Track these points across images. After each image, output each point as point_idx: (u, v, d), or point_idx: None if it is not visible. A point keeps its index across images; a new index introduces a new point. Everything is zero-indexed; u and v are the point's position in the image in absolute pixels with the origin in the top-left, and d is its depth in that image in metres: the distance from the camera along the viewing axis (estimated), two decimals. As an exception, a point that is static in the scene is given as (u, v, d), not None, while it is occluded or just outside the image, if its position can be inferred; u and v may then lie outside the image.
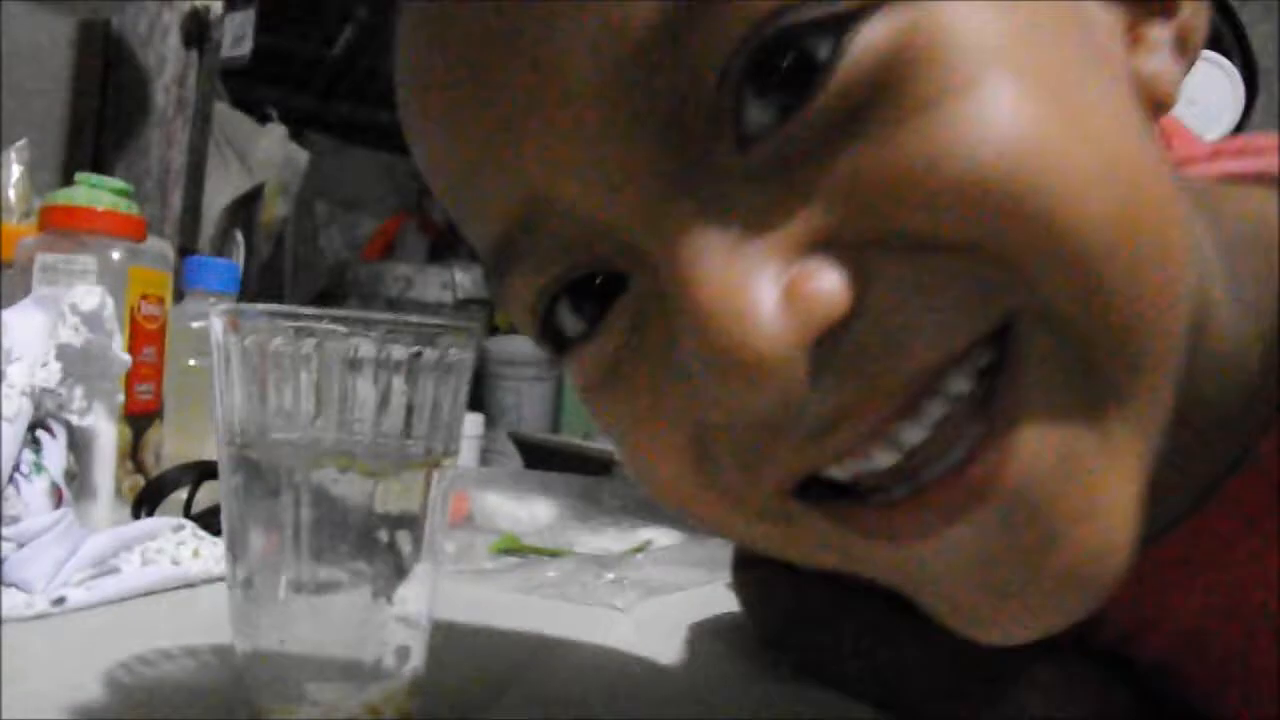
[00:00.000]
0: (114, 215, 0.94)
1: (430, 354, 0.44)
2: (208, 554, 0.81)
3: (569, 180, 0.32)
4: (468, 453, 1.84)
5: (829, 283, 0.30)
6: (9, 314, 0.79)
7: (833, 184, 0.30)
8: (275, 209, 3.58)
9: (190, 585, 0.79)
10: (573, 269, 0.35)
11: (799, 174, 0.30)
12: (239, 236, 3.07)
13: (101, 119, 2.06)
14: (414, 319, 0.44)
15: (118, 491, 0.89)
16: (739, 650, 0.76)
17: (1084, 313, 0.30)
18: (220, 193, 2.94)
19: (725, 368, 0.29)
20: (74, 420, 0.81)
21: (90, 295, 0.80)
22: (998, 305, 0.31)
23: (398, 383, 0.44)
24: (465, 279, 5.20)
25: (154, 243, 1.04)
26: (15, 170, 1.11)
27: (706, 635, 0.80)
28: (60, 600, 0.70)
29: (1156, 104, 0.36)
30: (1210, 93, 2.74)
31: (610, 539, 1.09)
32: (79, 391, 0.81)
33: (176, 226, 2.05)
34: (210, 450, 0.94)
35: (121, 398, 0.88)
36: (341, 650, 0.46)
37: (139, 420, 0.93)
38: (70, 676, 0.58)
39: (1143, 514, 0.33)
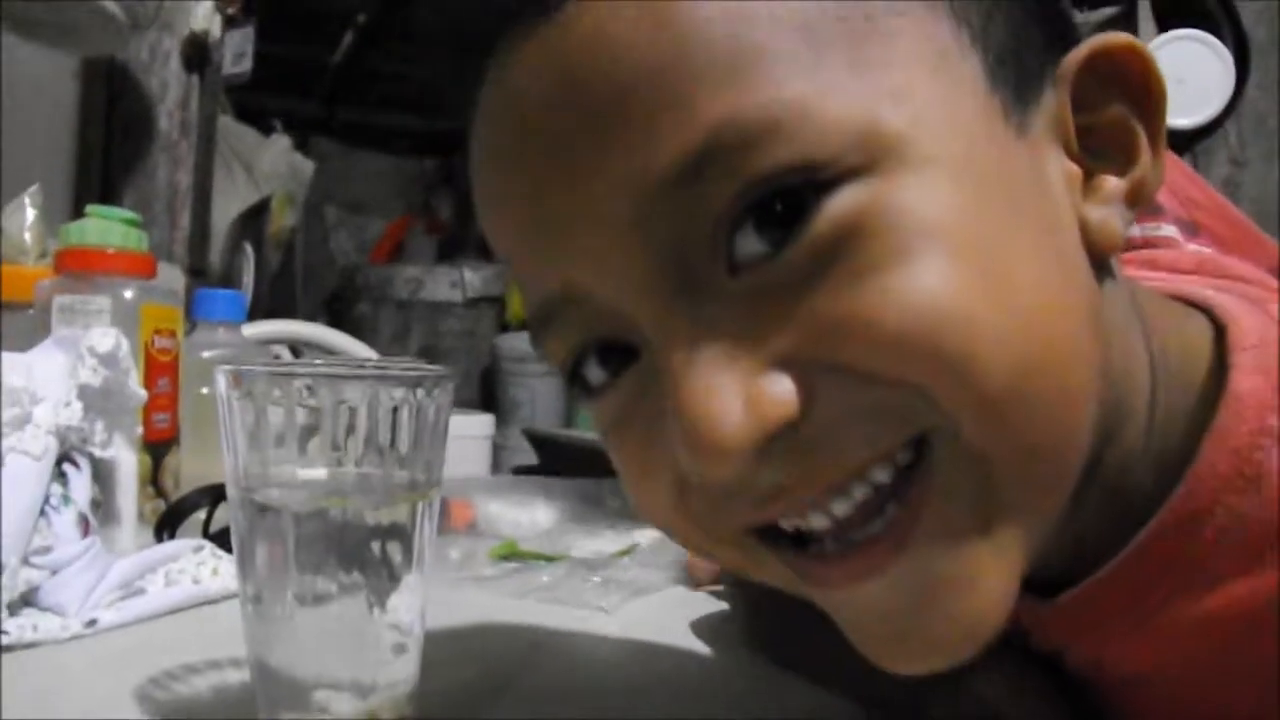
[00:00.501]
0: (125, 255, 1.00)
1: (413, 399, 0.50)
2: (226, 572, 0.87)
3: (595, 281, 0.41)
4: (478, 452, 1.87)
5: (782, 395, 0.38)
6: (32, 356, 0.85)
7: (796, 317, 0.38)
8: (283, 219, 3.62)
9: (211, 602, 0.85)
10: (598, 334, 0.44)
11: (772, 304, 0.39)
12: (248, 249, 3.11)
13: (108, 147, 2.11)
14: (397, 368, 0.50)
15: (140, 516, 0.94)
16: (720, 647, 0.81)
17: (986, 442, 0.39)
18: (228, 207, 2.99)
19: (697, 450, 0.38)
20: (96, 453, 0.86)
21: (106, 337, 0.86)
22: (916, 424, 0.39)
23: (383, 427, 0.50)
24: (474, 278, 5.24)
25: (164, 276, 1.09)
26: (30, 214, 1.17)
27: (689, 633, 0.84)
28: (92, 622, 0.76)
29: (1103, 246, 0.43)
30: (1201, 72, 2.77)
31: (606, 541, 1.13)
32: (100, 425, 0.87)
33: (186, 247, 2.10)
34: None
35: (140, 429, 0.93)
36: (342, 658, 0.52)
37: (157, 447, 0.99)
38: (105, 693, 0.63)
39: (1017, 586, 0.41)
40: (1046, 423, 0.39)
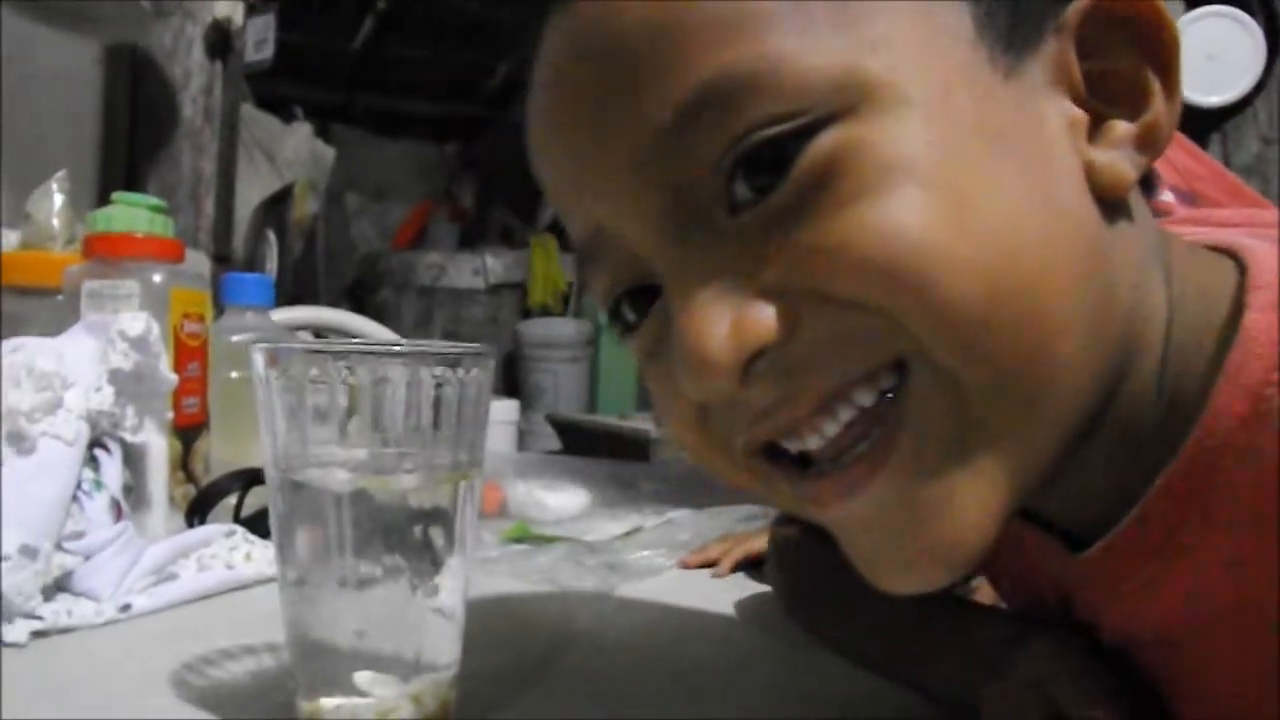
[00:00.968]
0: (153, 240, 0.99)
1: (453, 378, 0.50)
2: (259, 557, 0.86)
3: (614, 222, 0.46)
4: (503, 438, 1.87)
5: (765, 319, 0.42)
6: (62, 341, 0.85)
7: (783, 250, 0.42)
8: (306, 206, 3.64)
9: (244, 587, 0.85)
10: (627, 280, 0.48)
11: (764, 240, 0.42)
12: (271, 236, 3.12)
13: (132, 135, 2.11)
14: (435, 349, 0.50)
15: (171, 501, 0.94)
16: (756, 629, 0.81)
17: (957, 364, 0.41)
18: (251, 195, 3.00)
19: (687, 368, 0.43)
20: (128, 438, 0.86)
21: (136, 321, 0.85)
22: (891, 348, 0.42)
23: (425, 405, 0.49)
24: (496, 264, 5.25)
25: (192, 261, 1.09)
26: (58, 200, 1.16)
27: (697, 615, 0.85)
28: (126, 607, 0.76)
29: (1111, 188, 0.45)
30: (1231, 49, 2.73)
31: (625, 525, 1.14)
32: (130, 410, 0.86)
33: (210, 234, 2.10)
34: (256, 457, 0.99)
35: (170, 413, 0.93)
36: (384, 642, 0.51)
37: (187, 432, 0.98)
38: (140, 677, 0.63)
39: (1002, 517, 0.44)
40: (1018, 348, 0.41)
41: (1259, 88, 2.67)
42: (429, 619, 0.52)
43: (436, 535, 0.51)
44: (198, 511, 0.94)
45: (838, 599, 0.72)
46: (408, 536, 0.50)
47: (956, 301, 0.40)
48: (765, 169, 0.42)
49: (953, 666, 0.61)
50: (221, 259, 2.02)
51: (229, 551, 0.86)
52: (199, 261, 1.15)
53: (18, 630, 0.69)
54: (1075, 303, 0.42)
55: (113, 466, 0.83)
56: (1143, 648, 0.50)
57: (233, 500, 0.96)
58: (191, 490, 0.98)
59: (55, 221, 1.15)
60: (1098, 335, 0.43)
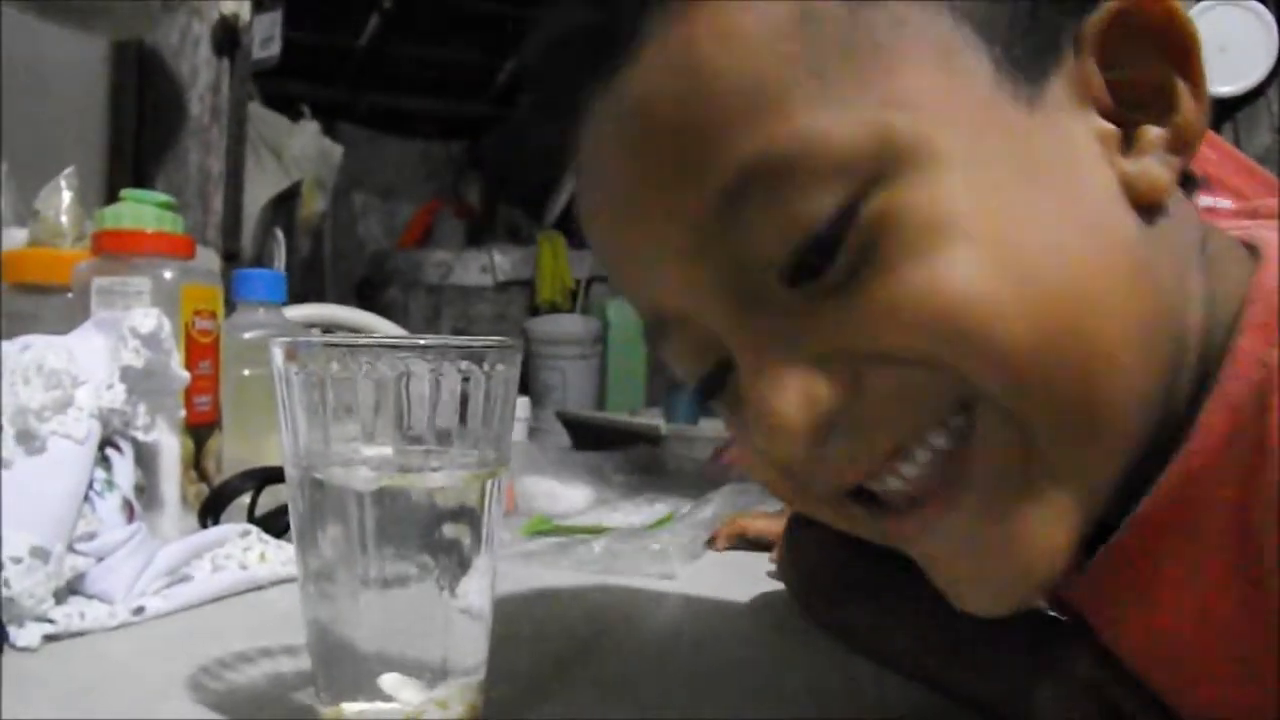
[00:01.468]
0: (164, 236, 0.98)
1: (478, 372, 0.48)
2: (273, 557, 0.85)
3: (678, 302, 0.48)
4: (514, 436, 1.86)
5: (830, 384, 0.44)
6: (72, 339, 0.83)
7: (840, 317, 0.43)
8: (314, 204, 3.63)
9: (259, 588, 0.83)
10: (711, 361, 0.50)
11: (822, 308, 0.44)
12: (279, 234, 3.11)
13: (140, 133, 2.10)
14: (459, 343, 0.48)
15: (184, 501, 0.93)
16: (787, 624, 0.79)
17: (1017, 405, 0.42)
18: (258, 193, 2.99)
19: (764, 434, 0.45)
20: (139, 436, 0.84)
21: (148, 318, 0.84)
22: (953, 395, 0.44)
23: (451, 400, 0.48)
24: (504, 261, 5.23)
25: (202, 258, 1.07)
26: (66, 197, 1.14)
27: (755, 600, 0.84)
28: (140, 609, 0.74)
29: (1148, 195, 0.45)
30: (1243, 39, 2.71)
31: (645, 516, 1.14)
32: (142, 409, 0.85)
33: (219, 232, 2.09)
34: (269, 456, 0.98)
35: (182, 412, 0.91)
36: (409, 645, 0.50)
37: (200, 431, 0.97)
38: (155, 682, 0.62)
39: (1074, 542, 0.45)
40: (1075, 381, 0.42)
41: (1271, 77, 2.64)
42: (456, 620, 0.50)
43: (463, 534, 0.50)
44: (211, 511, 0.93)
45: (861, 596, 0.71)
46: (433, 536, 0.49)
47: (1009, 346, 0.41)
48: (817, 252, 0.43)
49: (987, 663, 0.60)
50: (230, 257, 2.00)
51: (243, 552, 0.84)
52: (209, 258, 1.14)
53: (29, 634, 0.67)
54: (1124, 325, 0.43)
55: (124, 466, 0.82)
56: (1152, 663, 0.50)
57: (246, 500, 0.95)
58: (204, 490, 0.96)
59: (64, 219, 1.14)
60: (1150, 348, 0.44)
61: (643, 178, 0.46)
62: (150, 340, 0.83)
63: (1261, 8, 2.61)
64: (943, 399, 0.44)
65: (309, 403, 0.48)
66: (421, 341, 0.47)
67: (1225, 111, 2.68)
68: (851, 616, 0.73)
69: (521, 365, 0.50)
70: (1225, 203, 0.62)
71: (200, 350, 0.97)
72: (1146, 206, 0.45)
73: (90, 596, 0.74)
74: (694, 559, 0.98)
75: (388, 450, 0.48)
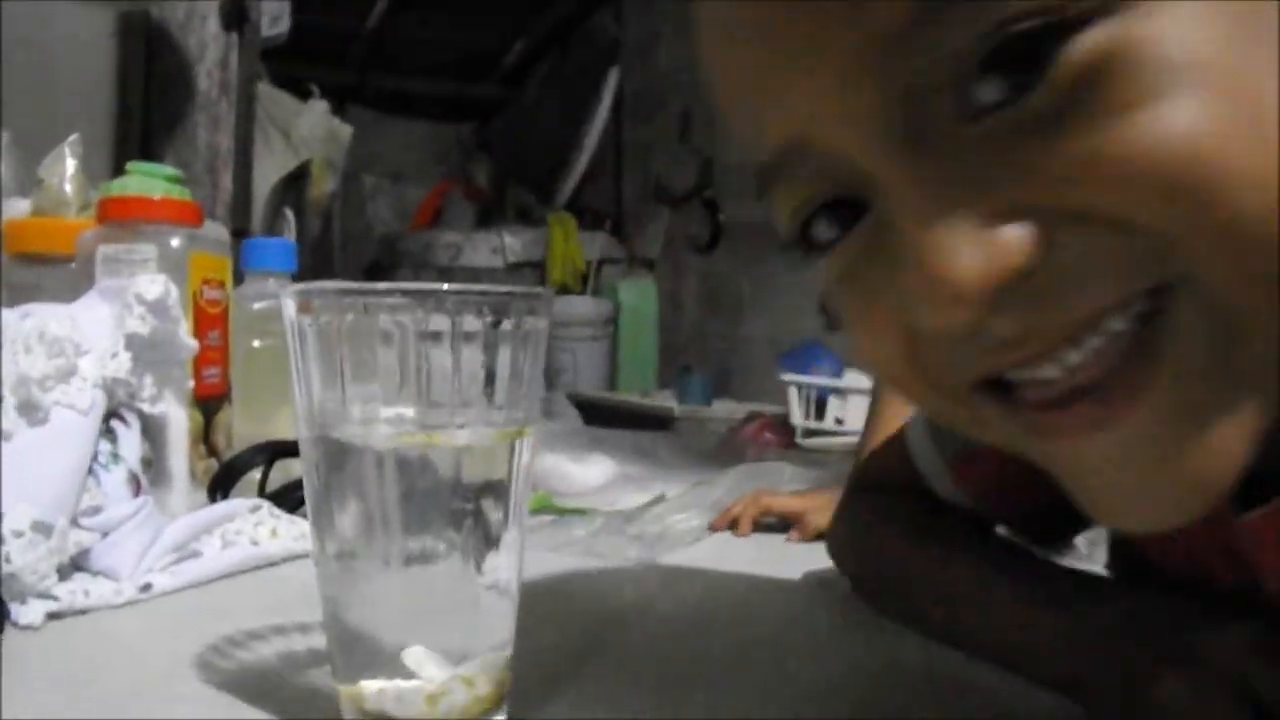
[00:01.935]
0: (171, 203, 0.95)
1: (506, 323, 0.44)
2: (285, 532, 0.82)
3: (828, 124, 0.40)
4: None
5: (1018, 243, 0.37)
6: (76, 308, 0.80)
7: (1036, 163, 0.36)
8: (323, 185, 3.60)
9: (271, 564, 0.81)
10: (827, 191, 0.42)
11: (1011, 150, 0.37)
12: (289, 214, 3.08)
13: (147, 109, 2.07)
14: (485, 289, 0.44)
15: (193, 475, 0.90)
16: (819, 602, 0.76)
17: (1234, 289, 0.36)
18: (268, 172, 2.96)
19: (930, 294, 0.38)
20: (146, 408, 0.81)
21: (154, 284, 0.81)
22: (1156, 271, 0.37)
23: (475, 354, 0.44)
24: (514, 242, 5.20)
25: (211, 227, 1.04)
26: (70, 164, 1.12)
27: (740, 588, 0.81)
28: (147, 586, 0.71)
29: None
30: None
31: (656, 494, 1.11)
32: (149, 380, 0.82)
33: (229, 209, 2.06)
34: (280, 429, 0.95)
35: (191, 383, 0.88)
36: (434, 621, 0.46)
37: (208, 404, 0.94)
38: (163, 660, 0.59)
39: (1247, 453, 0.39)
40: None
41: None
42: (483, 596, 0.47)
43: (491, 509, 0.46)
44: (221, 486, 0.90)
45: (928, 574, 0.68)
46: (459, 504, 0.45)
47: (1242, 218, 0.35)
48: (1016, 69, 0.36)
49: (1074, 648, 0.56)
50: (239, 234, 1.97)
51: (254, 527, 0.81)
52: (220, 230, 1.10)
53: (32, 611, 0.65)
54: None
55: (131, 439, 0.79)
56: None
57: (257, 474, 0.92)
58: (214, 464, 0.94)
59: (68, 187, 1.11)
60: None
61: None
62: (156, 307, 0.80)
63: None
64: (1141, 275, 0.38)
65: (324, 357, 0.44)
66: (444, 288, 0.43)
67: None
68: (909, 597, 0.70)
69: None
70: None
71: (209, 320, 0.94)
72: None
73: (95, 573, 0.71)
74: (686, 544, 0.95)
75: (408, 408, 0.44)
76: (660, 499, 1.04)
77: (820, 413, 2.51)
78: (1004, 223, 0.37)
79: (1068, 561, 0.70)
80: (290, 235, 2.98)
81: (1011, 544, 0.70)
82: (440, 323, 0.43)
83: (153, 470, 0.84)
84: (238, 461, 0.92)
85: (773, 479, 1.10)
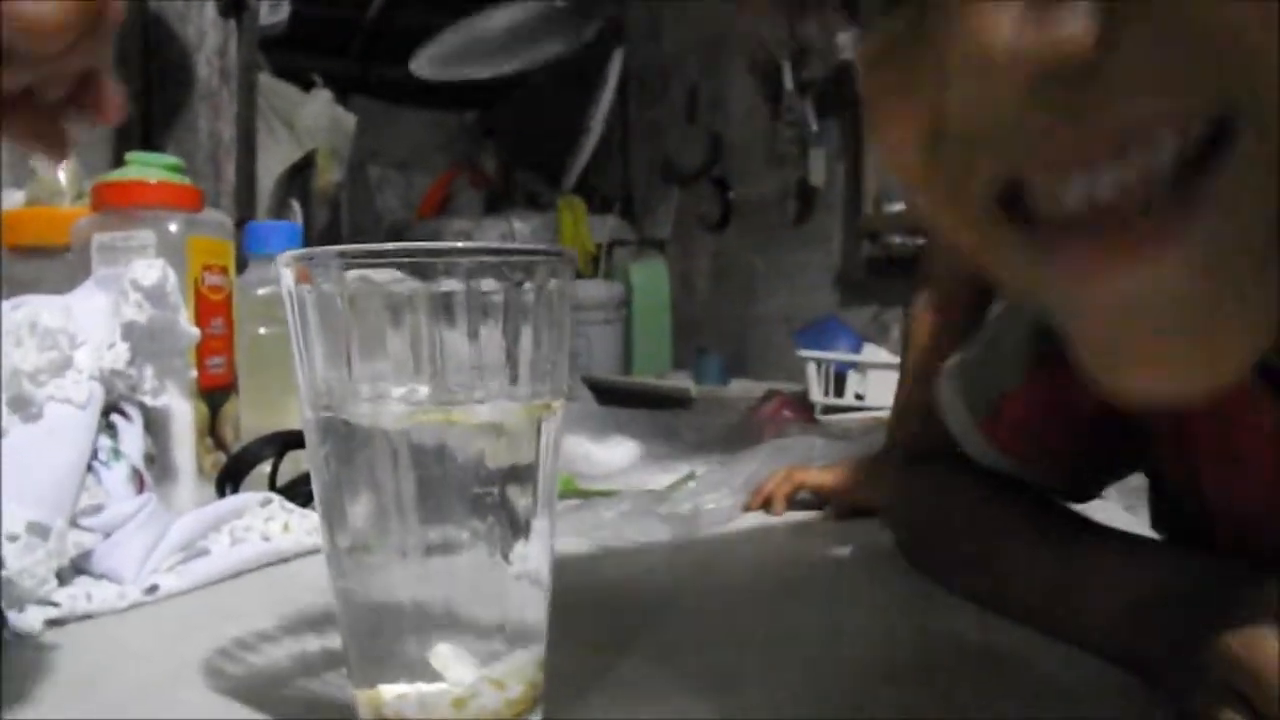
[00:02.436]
0: (167, 186, 0.91)
1: (528, 286, 0.40)
2: (298, 527, 0.78)
3: None
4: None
5: (1081, 24, 0.32)
6: (71, 299, 0.76)
7: None
8: (329, 174, 3.56)
9: (283, 560, 0.77)
10: None
11: None
12: (296, 205, 3.05)
13: (147, 99, 2.03)
14: (504, 247, 0.40)
15: (200, 470, 0.86)
16: (861, 582, 0.72)
17: None
18: (272, 164, 2.93)
19: (972, 66, 0.34)
20: (148, 401, 0.78)
21: (151, 270, 0.76)
22: (1224, 96, 0.33)
23: (494, 321, 0.40)
24: (524, 228, 5.17)
25: (211, 213, 1.00)
26: (64, 154, 1.07)
27: (780, 569, 0.78)
28: (153, 588, 0.68)
29: None
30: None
31: (682, 474, 1.07)
32: (149, 371, 0.78)
33: (233, 199, 2.02)
34: (289, 420, 0.91)
35: (194, 373, 0.84)
36: (459, 617, 0.42)
37: (214, 395, 0.90)
38: (169, 666, 0.56)
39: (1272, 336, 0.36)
40: None
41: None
42: (512, 588, 0.42)
43: (517, 495, 0.42)
44: (229, 480, 0.86)
45: (972, 542, 0.64)
46: (482, 488, 0.41)
47: None
48: None
49: (1130, 618, 0.53)
50: (244, 224, 1.93)
51: (265, 522, 0.78)
52: (221, 216, 1.06)
53: (30, 619, 0.61)
54: None
55: (133, 433, 0.75)
56: None
57: (267, 467, 0.88)
58: (221, 458, 0.90)
59: (61, 176, 1.07)
60: None
61: None
62: (154, 294, 0.76)
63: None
64: (1206, 93, 0.34)
65: (326, 329, 0.40)
66: (459, 246, 0.39)
67: None
68: (961, 562, 0.68)
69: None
70: None
71: (211, 308, 0.90)
72: None
73: (98, 576, 0.68)
74: (719, 524, 0.92)
75: (421, 382, 0.40)
76: (690, 478, 0.99)
77: (840, 389, 2.47)
78: (1065, 4, 0.33)
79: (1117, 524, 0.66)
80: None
81: (1067, 511, 0.66)
82: (455, 287, 0.39)
83: (157, 466, 0.80)
84: (246, 454, 0.88)
85: (803, 454, 1.06)
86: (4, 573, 0.60)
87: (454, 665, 0.41)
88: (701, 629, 0.62)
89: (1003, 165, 0.38)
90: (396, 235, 5.30)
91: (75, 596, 0.64)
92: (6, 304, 0.72)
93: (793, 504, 0.98)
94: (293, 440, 0.88)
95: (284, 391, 1.00)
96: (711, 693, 0.51)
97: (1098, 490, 0.73)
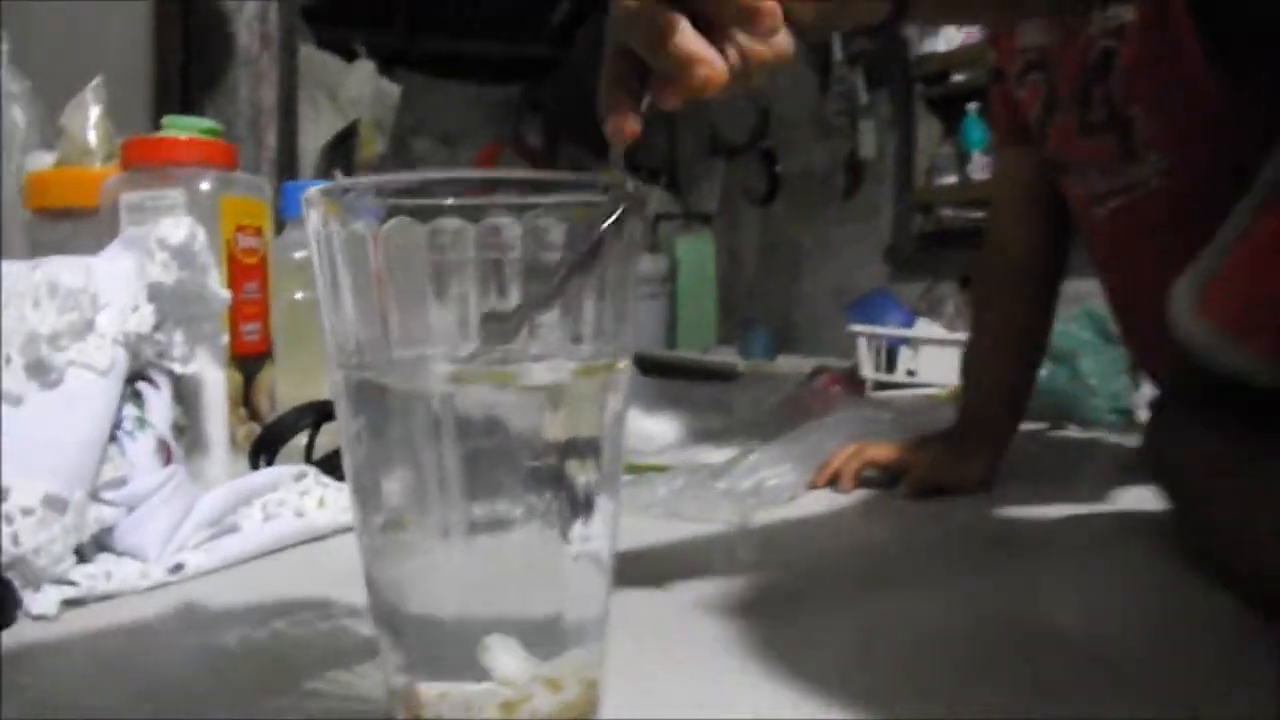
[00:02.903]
0: (199, 143, 0.86)
1: (596, 226, 0.34)
2: (334, 502, 0.74)
3: None
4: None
5: None
6: (96, 261, 0.72)
7: None
8: (373, 146, 3.53)
9: (318, 538, 0.73)
10: None
11: None
12: (338, 176, 3.01)
13: (186, 66, 1.99)
14: (563, 178, 0.35)
15: (232, 441, 0.82)
16: (912, 555, 0.68)
17: None
18: (315, 135, 2.89)
19: None
20: (177, 369, 0.73)
21: (178, 227, 0.72)
22: None
23: (552, 267, 0.34)
24: (569, 202, 5.15)
25: (246, 175, 0.96)
26: (93, 111, 1.03)
27: (856, 551, 0.73)
28: (178, 567, 0.63)
29: None
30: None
31: (739, 448, 1.01)
32: (179, 336, 0.73)
33: (274, 167, 1.98)
34: (327, 389, 0.86)
35: (226, 339, 0.80)
36: (511, 605, 0.37)
37: (248, 363, 0.85)
38: (192, 651, 0.52)
39: None
40: None
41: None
42: (571, 573, 0.37)
43: (578, 470, 0.36)
44: (263, 452, 0.82)
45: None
46: (538, 460, 0.36)
47: None
48: None
49: None
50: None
51: (299, 497, 0.73)
52: (258, 178, 1.01)
53: (46, 599, 0.57)
54: None
55: (160, 402, 0.71)
56: None
57: (303, 439, 0.84)
58: (255, 429, 0.85)
59: (91, 135, 1.02)
60: None
61: None
62: (181, 253, 0.71)
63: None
64: None
65: (359, 276, 0.35)
66: (513, 176, 0.33)
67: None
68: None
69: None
70: None
71: (245, 271, 0.85)
72: None
73: (120, 553, 0.63)
74: (782, 502, 0.86)
75: (471, 342, 0.35)
76: (750, 452, 0.93)
77: (890, 365, 2.41)
78: None
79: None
80: (340, 197, 2.91)
81: None
82: (509, 230, 0.33)
83: (186, 437, 0.76)
84: (281, 425, 0.83)
85: (868, 429, 1.00)
86: (18, 549, 0.56)
87: (504, 661, 0.36)
88: (766, 621, 0.57)
89: None
90: (440, 209, 5.27)
91: (94, 575, 0.60)
92: (24, 264, 0.67)
93: (863, 482, 0.93)
94: (331, 410, 0.83)
95: (323, 360, 0.96)
96: (791, 692, 0.46)
97: None
